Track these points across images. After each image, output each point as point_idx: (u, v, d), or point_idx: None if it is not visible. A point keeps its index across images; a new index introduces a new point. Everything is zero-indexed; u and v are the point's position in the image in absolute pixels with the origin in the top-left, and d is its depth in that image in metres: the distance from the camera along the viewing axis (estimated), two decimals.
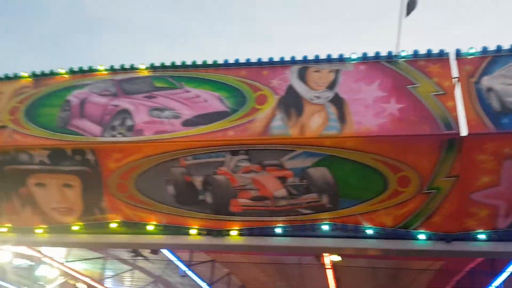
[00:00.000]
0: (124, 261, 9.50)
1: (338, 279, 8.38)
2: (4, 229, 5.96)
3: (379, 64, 4.80)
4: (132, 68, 5.48)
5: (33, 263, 9.86)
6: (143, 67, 5.48)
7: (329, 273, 7.93)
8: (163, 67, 5.45)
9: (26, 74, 5.83)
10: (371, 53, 4.84)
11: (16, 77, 5.85)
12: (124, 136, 5.06)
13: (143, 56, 23.15)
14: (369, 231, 4.80)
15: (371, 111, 4.48)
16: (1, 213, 5.97)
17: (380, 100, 4.53)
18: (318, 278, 8.45)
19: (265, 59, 5.12)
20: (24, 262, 10.15)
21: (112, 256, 9.25)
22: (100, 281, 10.88)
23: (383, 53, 4.82)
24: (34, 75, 5.74)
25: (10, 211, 5.90)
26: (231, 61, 5.24)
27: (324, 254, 6.61)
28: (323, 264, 7.23)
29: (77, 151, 5.17)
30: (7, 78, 5.89)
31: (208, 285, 9.60)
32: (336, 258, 6.79)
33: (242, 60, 5.19)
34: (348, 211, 4.79)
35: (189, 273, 8.91)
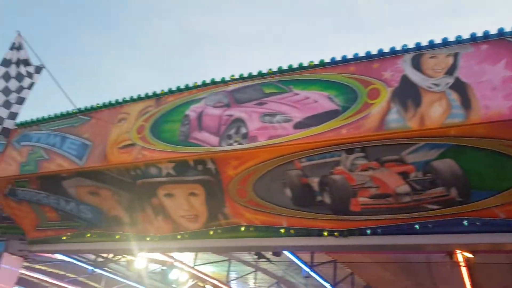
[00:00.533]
0: (247, 263, 9.85)
1: (473, 277, 7.75)
2: (148, 238, 6.52)
3: (504, 41, 4.33)
4: (242, 78, 5.64)
5: (165, 268, 10.64)
6: (250, 74, 5.64)
7: (464, 271, 7.36)
8: (270, 73, 5.52)
9: (149, 93, 6.30)
10: (492, 31, 4.40)
11: (140, 98, 6.38)
12: (240, 143, 5.24)
13: (246, 65, 23.83)
14: (507, 224, 4.37)
15: (500, 93, 4.06)
16: (138, 223, 6.57)
17: (509, 81, 4.09)
18: (450, 276, 7.91)
19: (374, 51, 4.92)
20: (158, 267, 11.01)
21: (236, 258, 9.65)
22: (226, 283, 11.40)
23: (507, 28, 4.35)
24: (155, 95, 6.22)
25: (145, 220, 6.47)
26: (338, 58, 5.12)
27: (457, 251, 6.17)
28: (457, 262, 6.74)
29: (199, 162, 5.47)
30: (132, 100, 6.46)
31: (332, 285, 9.51)
32: (469, 255, 6.32)
33: (350, 55, 5.05)
34: (481, 204, 4.41)
35: (312, 274, 8.91)
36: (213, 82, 5.79)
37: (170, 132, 5.74)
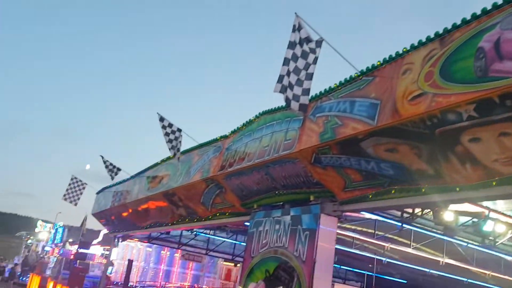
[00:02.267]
0: None
1: None
2: (457, 188, 6.16)
3: None
4: None
5: (477, 220, 9.86)
6: None
7: None
8: None
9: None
10: None
11: (421, 44, 6.00)
12: None
13: None
14: None
15: None
16: (443, 174, 6.24)
17: None
18: None
19: None
20: (469, 219, 10.31)
21: None
22: None
23: None
24: (437, 36, 5.72)
25: (451, 170, 6.08)
26: None
27: None
28: None
29: (506, 96, 4.74)
30: (413, 48, 6.14)
31: None
32: None
33: None
34: None
35: None
36: (507, 1, 4.89)
37: (463, 70, 5.17)
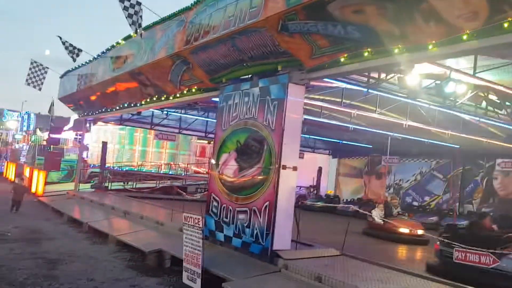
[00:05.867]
0: None
1: None
2: (430, 46, 6.23)
3: None
4: None
5: (440, 82, 10.18)
6: None
7: None
8: None
9: None
10: None
11: None
12: None
13: None
14: None
15: None
16: (408, 34, 6.26)
17: None
18: None
19: None
20: (432, 82, 10.65)
21: None
22: None
23: None
24: None
25: (416, 30, 6.09)
26: None
27: None
28: None
29: None
30: None
31: None
32: None
33: None
34: None
35: None
36: None
37: None
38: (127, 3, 9.83)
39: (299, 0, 6.97)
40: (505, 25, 5.10)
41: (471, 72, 9.22)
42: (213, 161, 10.51)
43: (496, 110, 12.49)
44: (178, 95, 12.79)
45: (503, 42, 5.43)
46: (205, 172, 31.07)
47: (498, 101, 11.92)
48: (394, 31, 6.34)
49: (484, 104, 12.25)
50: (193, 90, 12.00)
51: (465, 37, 5.63)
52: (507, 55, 8.15)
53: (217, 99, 10.99)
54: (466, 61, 8.97)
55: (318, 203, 22.91)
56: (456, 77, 9.77)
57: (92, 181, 24.36)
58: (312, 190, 27.80)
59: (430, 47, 6.14)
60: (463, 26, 5.57)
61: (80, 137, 27.93)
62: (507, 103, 12.15)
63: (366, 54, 7.16)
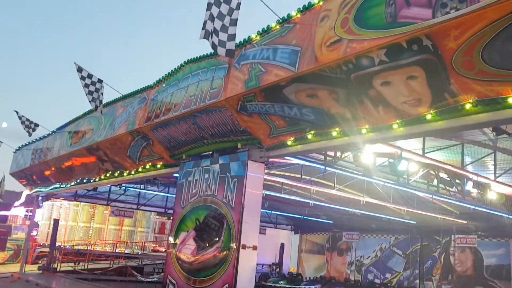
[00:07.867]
0: (483, 144, 9.06)
1: None
2: (364, 131, 6.61)
3: None
4: None
5: (393, 160, 10.63)
6: None
7: None
8: None
9: None
10: None
11: None
12: (458, 9, 4.59)
13: None
14: None
15: None
16: (359, 117, 6.62)
17: None
18: None
19: None
20: (386, 160, 11.10)
21: (469, 141, 8.96)
22: (462, 167, 10.79)
23: None
24: None
25: (366, 113, 6.46)
26: None
27: None
28: None
29: (412, 41, 5.05)
30: None
31: None
32: None
33: None
34: None
35: None
36: None
37: (376, 17, 5.39)
38: (88, 81, 9.97)
39: (256, 84, 7.30)
40: (467, 106, 5.45)
41: (420, 152, 9.71)
42: (171, 239, 10.22)
43: (447, 187, 13.01)
44: (139, 170, 12.66)
45: (466, 124, 5.75)
46: (163, 251, 29.92)
47: (449, 179, 12.46)
48: (346, 114, 6.70)
49: (435, 181, 12.76)
50: (151, 166, 11.94)
51: (429, 116, 5.92)
52: (453, 136, 8.70)
53: (177, 175, 10.95)
54: (417, 141, 9.47)
55: (281, 282, 22.29)
56: (408, 156, 10.24)
57: (40, 262, 22.91)
58: (274, 267, 27.14)
59: (367, 130, 6.48)
60: (409, 111, 5.97)
61: (30, 213, 26.63)
62: (457, 181, 12.70)
63: (310, 136, 7.48)
